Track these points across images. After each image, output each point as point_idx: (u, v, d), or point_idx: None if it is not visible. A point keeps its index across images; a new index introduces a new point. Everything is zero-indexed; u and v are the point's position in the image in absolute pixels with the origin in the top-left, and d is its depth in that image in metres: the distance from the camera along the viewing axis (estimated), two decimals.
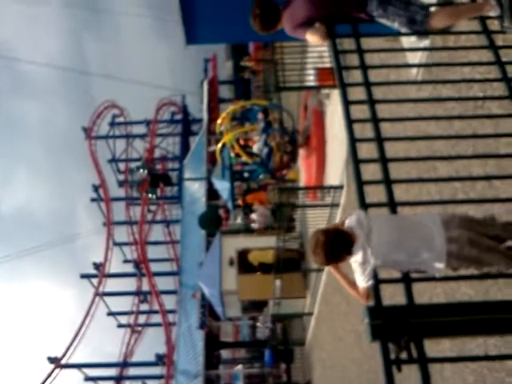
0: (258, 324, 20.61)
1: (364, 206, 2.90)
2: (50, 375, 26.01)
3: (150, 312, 32.52)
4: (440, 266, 2.68)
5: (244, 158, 14.82)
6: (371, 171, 3.34)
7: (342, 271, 2.86)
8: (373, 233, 2.66)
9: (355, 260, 2.67)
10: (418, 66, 5.24)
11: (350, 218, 2.77)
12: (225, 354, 26.24)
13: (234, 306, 16.22)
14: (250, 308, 17.51)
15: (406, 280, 2.75)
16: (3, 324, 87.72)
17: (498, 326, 2.58)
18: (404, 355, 2.50)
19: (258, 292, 14.99)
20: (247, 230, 18.88)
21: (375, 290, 2.70)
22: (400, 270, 2.77)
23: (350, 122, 3.29)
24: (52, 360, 26.45)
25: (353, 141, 3.21)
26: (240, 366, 22.47)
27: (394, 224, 2.76)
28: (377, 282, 2.72)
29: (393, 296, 3.19)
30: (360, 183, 3.00)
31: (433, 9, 3.86)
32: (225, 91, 34.03)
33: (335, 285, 10.19)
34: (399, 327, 2.52)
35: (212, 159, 22.80)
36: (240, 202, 18.53)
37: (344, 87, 3.45)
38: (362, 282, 2.69)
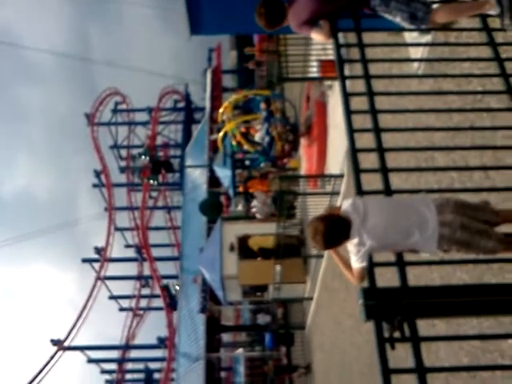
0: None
1: (361, 193, 3.07)
2: (52, 357, 26.46)
3: (152, 296, 32.94)
4: (431, 247, 2.85)
5: (246, 147, 14.97)
6: (371, 161, 3.50)
7: (340, 253, 3.02)
8: (368, 217, 2.80)
9: (351, 242, 2.82)
10: (419, 60, 5.37)
11: (346, 202, 2.92)
12: (226, 337, 26.63)
13: (235, 291, 16.48)
14: (251, 292, 17.80)
15: (400, 263, 2.93)
16: (5, 307, 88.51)
17: (487, 307, 2.69)
18: (397, 334, 2.69)
19: (259, 277, 15.22)
20: (248, 217, 19.12)
21: (370, 272, 2.85)
22: (395, 251, 2.94)
23: (348, 112, 3.43)
24: (55, 342, 26.84)
25: (351, 131, 3.35)
26: (241, 350, 22.85)
27: (388, 207, 2.90)
28: (371, 264, 2.89)
29: (391, 281, 3.37)
30: (357, 171, 3.15)
31: (435, 6, 3.99)
32: (228, 81, 34.06)
33: (335, 271, 10.41)
34: (392, 307, 2.69)
35: (214, 147, 22.93)
36: (241, 188, 18.73)
37: (344, 79, 3.59)
38: (356, 262, 2.85)
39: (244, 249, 15.92)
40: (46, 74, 79.30)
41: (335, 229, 2.77)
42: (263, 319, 22.39)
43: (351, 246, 2.85)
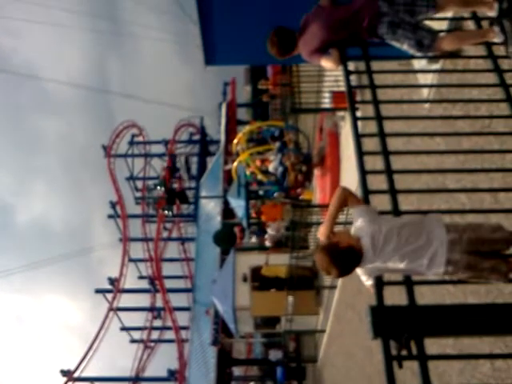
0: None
1: (366, 193, 3.15)
2: None
3: (163, 328, 32.66)
4: (437, 271, 2.87)
5: (259, 176, 15.12)
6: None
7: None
8: (384, 248, 2.82)
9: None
10: (429, 86, 5.48)
11: (361, 225, 2.89)
12: (237, 371, 26.18)
13: (247, 323, 16.32)
14: (262, 325, 17.60)
15: (408, 282, 2.95)
16: (16, 335, 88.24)
17: (497, 327, 2.69)
18: (405, 353, 2.68)
19: (271, 308, 15.10)
20: (262, 247, 19.10)
21: (378, 291, 2.89)
22: (402, 274, 2.96)
23: (357, 136, 3.52)
24: (65, 373, 26.71)
25: (360, 153, 3.42)
26: None
27: (398, 231, 2.87)
28: (379, 283, 2.92)
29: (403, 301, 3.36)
30: (366, 192, 3.22)
31: (442, 34, 4.12)
32: (243, 114, 34.58)
33: (347, 301, 10.30)
34: (400, 325, 2.70)
35: (228, 179, 23.15)
36: (254, 214, 18.80)
37: (353, 104, 3.70)
38: (366, 281, 2.88)
39: (257, 280, 15.86)
40: (65, 106, 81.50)
41: (348, 261, 2.81)
42: (275, 355, 21.98)
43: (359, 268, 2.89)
